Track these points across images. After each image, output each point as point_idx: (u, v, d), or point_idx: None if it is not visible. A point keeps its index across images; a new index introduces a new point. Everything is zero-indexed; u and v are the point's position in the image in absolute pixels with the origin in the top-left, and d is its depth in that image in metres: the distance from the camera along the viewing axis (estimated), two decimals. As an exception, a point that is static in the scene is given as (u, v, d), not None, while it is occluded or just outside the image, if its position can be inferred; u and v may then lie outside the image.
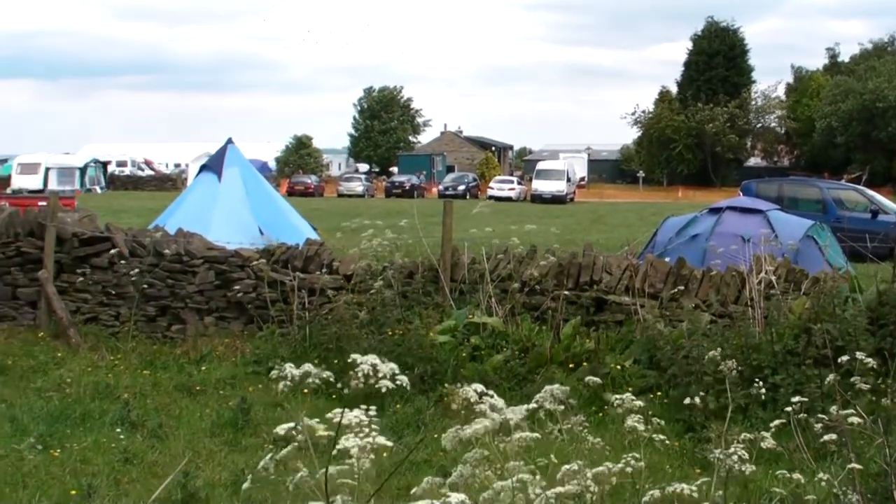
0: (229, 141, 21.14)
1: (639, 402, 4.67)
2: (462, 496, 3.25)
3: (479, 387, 3.91)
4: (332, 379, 3.70)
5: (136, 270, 14.24)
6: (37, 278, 14.75)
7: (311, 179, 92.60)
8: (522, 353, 12.50)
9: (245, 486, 4.22)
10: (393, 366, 3.59)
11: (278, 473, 3.79)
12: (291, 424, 3.75)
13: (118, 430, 10.51)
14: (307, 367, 3.70)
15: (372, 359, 3.55)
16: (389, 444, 3.55)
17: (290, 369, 3.70)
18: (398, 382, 3.58)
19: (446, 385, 11.61)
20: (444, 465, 9.35)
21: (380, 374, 3.55)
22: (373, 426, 3.50)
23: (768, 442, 4.68)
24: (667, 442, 5.34)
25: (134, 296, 14.36)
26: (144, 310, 14.45)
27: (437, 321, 13.14)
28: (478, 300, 13.72)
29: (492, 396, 3.93)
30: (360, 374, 3.55)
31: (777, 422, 5.39)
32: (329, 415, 3.64)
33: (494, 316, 13.35)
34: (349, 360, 3.62)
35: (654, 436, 4.28)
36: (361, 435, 3.43)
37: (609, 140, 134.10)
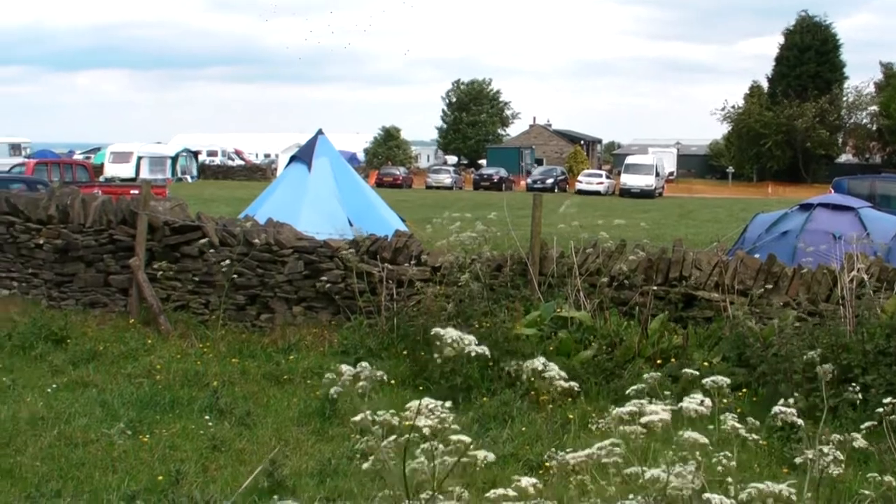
0: (319, 132, 21.24)
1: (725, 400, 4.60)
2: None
3: (542, 359, 3.84)
4: (384, 377, 3.69)
5: (228, 262, 14.34)
6: (128, 266, 14.92)
7: (400, 171, 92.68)
8: (610, 348, 12.41)
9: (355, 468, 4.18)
10: (472, 338, 3.57)
11: (374, 464, 3.78)
12: (366, 414, 3.75)
13: (206, 417, 10.61)
14: (362, 365, 3.70)
15: (452, 331, 3.53)
16: (467, 439, 3.53)
17: (345, 369, 3.70)
18: (480, 351, 3.55)
19: (533, 379, 11.56)
20: (531, 458, 9.34)
21: (465, 343, 3.53)
22: (449, 422, 3.48)
23: (859, 442, 4.60)
24: (760, 441, 5.27)
25: (223, 284, 14.47)
26: (234, 298, 14.55)
27: (524, 314, 13.09)
28: (566, 294, 13.65)
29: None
30: (447, 340, 3.54)
31: (868, 423, 5.29)
32: (407, 406, 3.63)
33: (582, 310, 13.28)
34: (433, 333, 3.61)
35: (748, 435, 4.21)
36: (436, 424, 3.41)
37: (698, 135, 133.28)
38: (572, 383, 3.85)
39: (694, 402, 3.75)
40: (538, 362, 3.82)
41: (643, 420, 3.71)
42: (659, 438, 4.02)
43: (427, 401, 3.53)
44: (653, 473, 3.53)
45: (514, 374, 3.62)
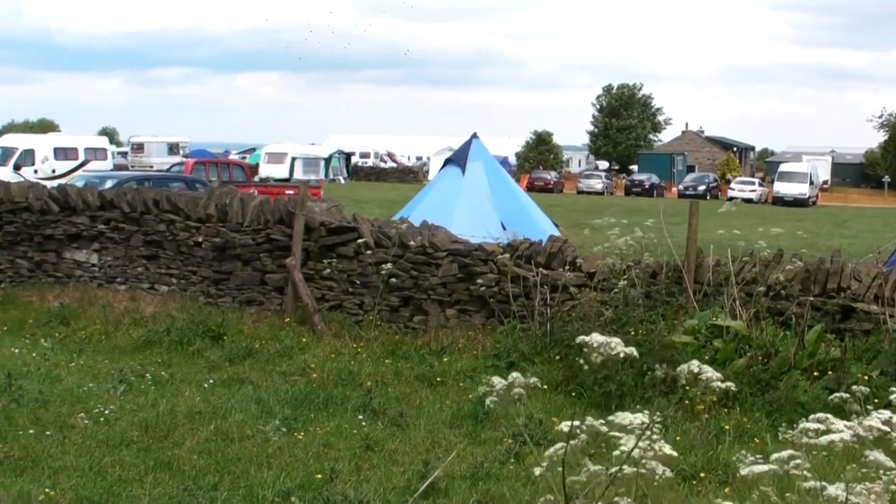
0: (474, 135, 21.28)
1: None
2: None
3: (696, 363, 3.78)
4: (538, 384, 3.65)
5: (389, 264, 14.40)
6: (284, 265, 15.10)
7: (551, 175, 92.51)
8: (765, 359, 12.17)
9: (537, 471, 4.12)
10: (618, 340, 3.53)
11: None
12: (573, 423, 3.72)
13: (360, 416, 10.69)
14: (514, 375, 3.67)
15: (598, 336, 3.50)
16: (674, 453, 3.48)
17: (496, 381, 3.68)
18: (627, 352, 3.52)
19: (688, 388, 11.42)
20: (685, 468, 9.20)
21: (612, 346, 3.49)
22: (654, 431, 3.44)
23: None
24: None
25: (378, 285, 14.54)
26: (388, 300, 14.62)
27: (680, 323, 12.93)
28: (721, 303, 13.44)
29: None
30: (594, 344, 3.52)
31: None
32: (611, 418, 3.60)
33: (738, 319, 13.06)
34: (579, 341, 3.58)
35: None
36: (643, 438, 3.37)
37: (854, 143, 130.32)
38: (728, 384, 3.79)
39: (877, 421, 3.63)
40: (693, 365, 3.78)
41: (830, 438, 3.61)
42: (838, 454, 3.89)
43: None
44: (832, 491, 3.43)
45: (668, 377, 3.62)
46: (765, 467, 3.67)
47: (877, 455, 3.54)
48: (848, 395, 6.00)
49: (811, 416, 3.73)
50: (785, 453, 3.71)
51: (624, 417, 3.63)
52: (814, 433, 3.65)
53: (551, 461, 3.84)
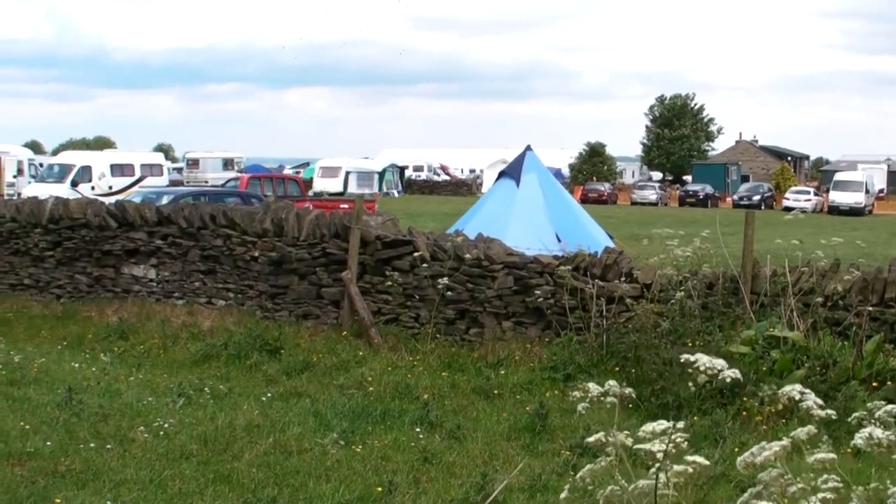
0: (528, 147, 21.27)
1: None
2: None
3: (799, 387, 3.77)
4: (633, 394, 3.66)
5: (445, 278, 14.42)
6: (341, 279, 15.16)
7: (605, 187, 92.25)
8: (823, 370, 12.10)
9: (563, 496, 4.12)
10: (723, 362, 3.54)
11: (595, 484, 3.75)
12: (600, 434, 3.72)
13: (417, 429, 10.71)
14: (610, 383, 3.67)
15: (703, 357, 3.50)
16: (705, 462, 3.48)
17: (592, 387, 3.67)
18: (731, 376, 3.52)
19: (745, 399, 11.38)
20: (742, 479, 9.14)
21: (711, 366, 3.49)
22: (680, 441, 3.43)
23: None
24: None
25: (433, 298, 14.57)
26: (444, 312, 14.64)
27: (737, 333, 12.88)
28: (778, 313, 13.36)
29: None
30: (701, 368, 3.52)
31: None
32: (642, 429, 3.60)
33: (795, 330, 12.98)
34: (682, 360, 3.58)
35: None
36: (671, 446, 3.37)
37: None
38: (829, 412, 3.80)
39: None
40: (796, 390, 3.77)
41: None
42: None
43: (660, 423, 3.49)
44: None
45: (769, 400, 3.59)
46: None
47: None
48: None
49: (861, 430, 3.71)
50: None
51: (647, 427, 3.61)
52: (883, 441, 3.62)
53: (582, 481, 3.85)
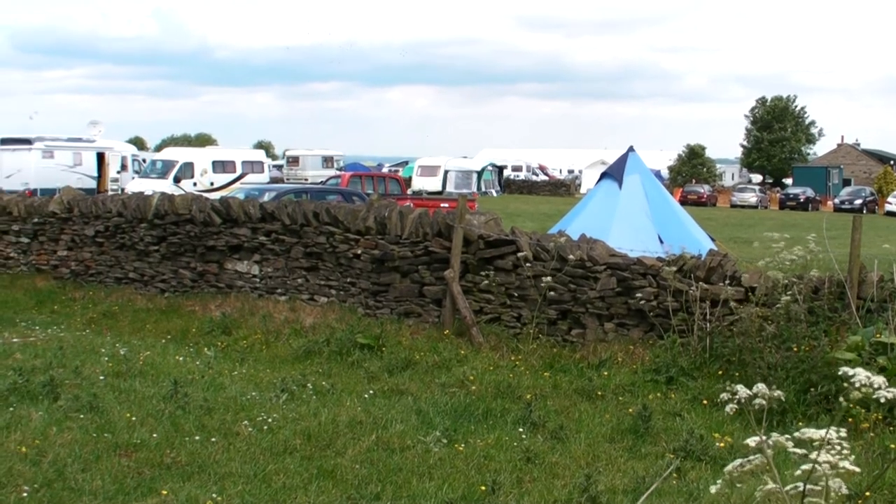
0: (630, 149, 21.16)
1: None
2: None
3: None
4: (782, 397, 3.61)
5: (547, 278, 14.38)
6: (443, 277, 15.18)
7: (705, 189, 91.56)
8: (931, 377, 11.89)
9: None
10: (882, 379, 3.47)
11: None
12: (758, 438, 3.69)
13: (520, 429, 10.68)
14: (759, 387, 3.62)
15: (862, 372, 3.44)
16: (857, 469, 3.43)
17: (741, 391, 3.64)
18: (891, 396, 3.46)
19: (851, 406, 11.20)
20: (849, 487, 8.99)
21: (869, 383, 3.43)
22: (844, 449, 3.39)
23: None
24: None
25: (535, 298, 14.54)
26: (546, 313, 14.59)
27: (843, 339, 12.68)
28: (886, 319, 13.14)
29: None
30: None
31: None
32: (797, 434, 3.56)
33: (903, 336, 12.75)
34: (840, 373, 3.53)
35: None
36: (833, 453, 3.31)
37: None
38: None
39: None
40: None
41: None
42: None
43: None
44: None
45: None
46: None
47: None
48: None
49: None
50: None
51: (805, 432, 3.56)
52: None
53: (729, 478, 3.80)
